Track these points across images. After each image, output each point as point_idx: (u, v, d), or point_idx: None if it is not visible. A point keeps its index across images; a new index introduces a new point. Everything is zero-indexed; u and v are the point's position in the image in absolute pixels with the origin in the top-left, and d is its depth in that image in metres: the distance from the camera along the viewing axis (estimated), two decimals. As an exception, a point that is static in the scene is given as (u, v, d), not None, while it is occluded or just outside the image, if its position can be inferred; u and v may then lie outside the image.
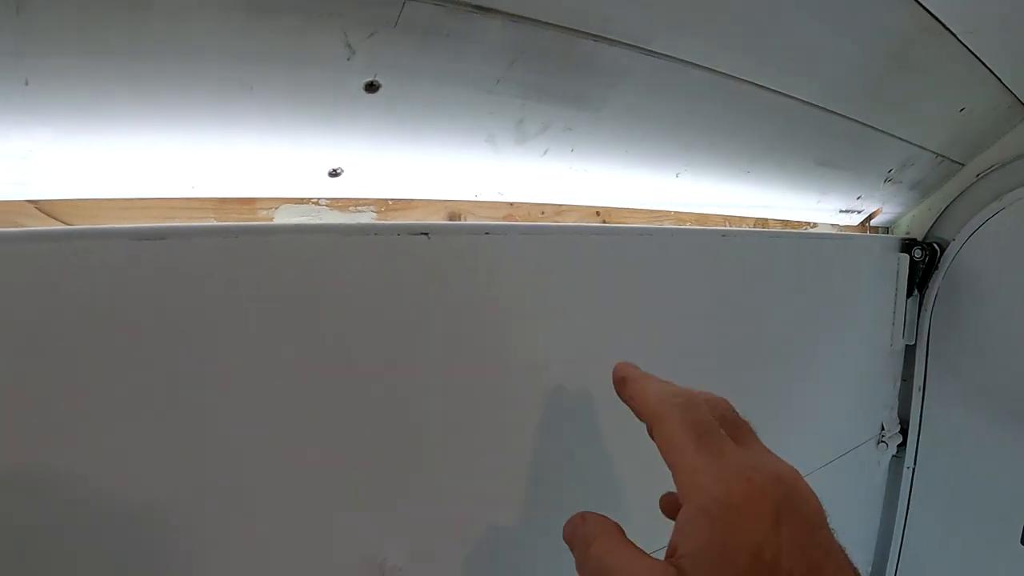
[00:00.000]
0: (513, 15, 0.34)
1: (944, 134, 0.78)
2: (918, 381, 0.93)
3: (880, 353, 0.89)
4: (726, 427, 0.29)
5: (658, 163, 0.52)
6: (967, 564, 0.91)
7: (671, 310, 0.52)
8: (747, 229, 0.71)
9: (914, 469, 0.95)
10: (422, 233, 0.35)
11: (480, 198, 0.44)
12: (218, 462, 0.30)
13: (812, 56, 0.52)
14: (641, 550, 0.27)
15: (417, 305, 0.36)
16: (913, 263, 0.88)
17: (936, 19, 0.54)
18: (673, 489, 0.27)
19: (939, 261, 0.89)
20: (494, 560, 0.42)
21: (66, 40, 0.25)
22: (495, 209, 0.46)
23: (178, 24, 0.27)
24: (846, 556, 0.25)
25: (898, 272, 0.88)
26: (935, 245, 0.89)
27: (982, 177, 0.87)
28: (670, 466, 0.27)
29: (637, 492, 0.43)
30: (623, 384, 0.33)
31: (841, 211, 0.84)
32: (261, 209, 0.36)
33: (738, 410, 0.32)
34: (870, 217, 0.90)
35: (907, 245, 0.89)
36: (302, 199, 0.37)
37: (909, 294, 0.89)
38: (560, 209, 0.51)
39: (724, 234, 0.57)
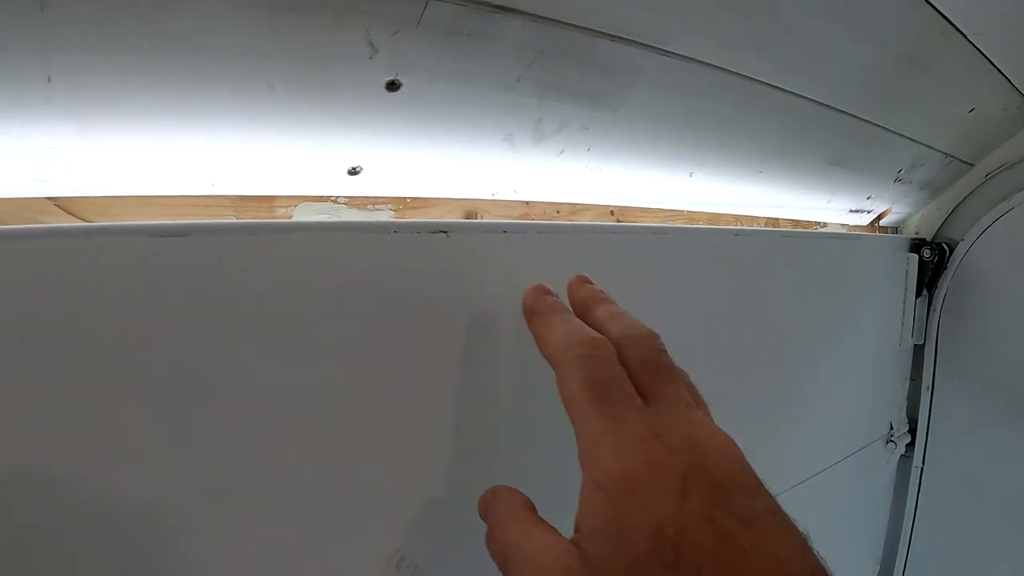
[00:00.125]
0: (534, 15, 0.34)
1: (953, 134, 0.78)
2: (927, 381, 0.93)
3: (889, 352, 0.89)
4: (644, 376, 0.26)
5: (672, 162, 0.52)
6: (975, 563, 0.91)
7: (683, 308, 0.52)
8: (758, 228, 0.71)
9: (922, 468, 0.95)
10: (441, 231, 0.35)
11: (497, 197, 0.44)
12: (236, 459, 0.30)
13: (823, 57, 0.52)
14: (549, 527, 0.25)
15: (436, 302, 0.36)
16: (922, 263, 0.88)
17: (946, 19, 0.54)
18: None
19: (948, 261, 0.89)
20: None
21: (89, 37, 0.25)
22: (511, 208, 0.46)
23: (201, 22, 0.27)
24: (778, 521, 0.22)
25: (907, 272, 0.88)
26: (944, 245, 0.89)
27: (991, 177, 0.87)
28: (573, 425, 0.25)
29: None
30: (530, 318, 0.30)
31: (851, 211, 0.84)
32: (280, 207, 0.36)
33: (668, 349, 0.28)
34: (880, 217, 0.90)
35: (916, 245, 0.89)
36: (321, 197, 0.37)
37: (918, 294, 0.89)
38: (575, 208, 0.50)
39: (736, 233, 0.57)
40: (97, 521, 0.27)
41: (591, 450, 0.24)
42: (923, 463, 0.95)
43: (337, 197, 0.38)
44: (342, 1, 0.28)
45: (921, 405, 0.94)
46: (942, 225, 0.91)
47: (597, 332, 0.28)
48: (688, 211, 0.62)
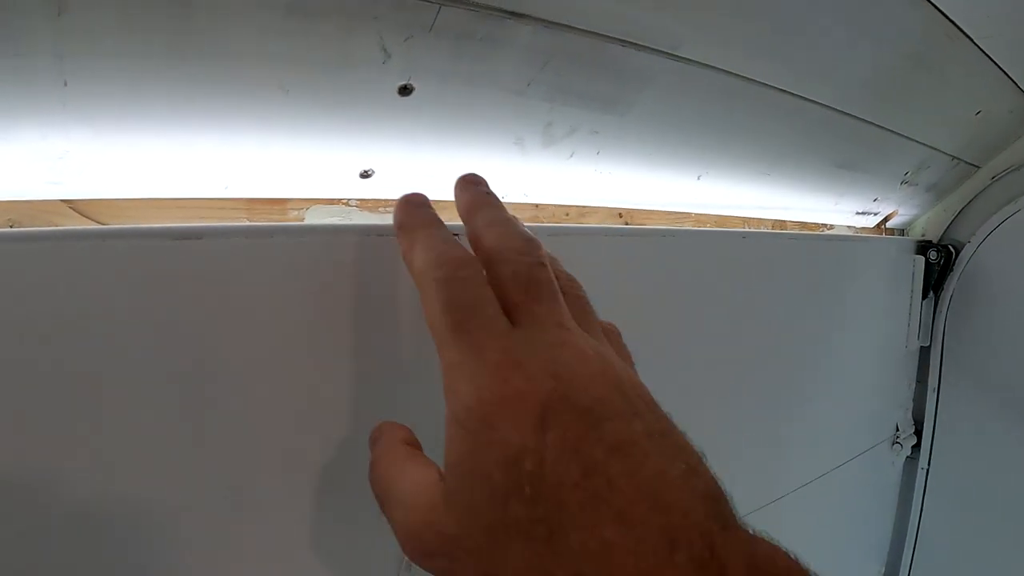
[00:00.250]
0: (545, 20, 0.34)
1: (960, 137, 0.78)
2: (933, 382, 0.93)
3: (895, 354, 0.89)
4: (514, 295, 0.23)
5: (680, 165, 0.52)
6: (981, 565, 0.91)
7: (691, 310, 0.52)
8: (765, 231, 0.71)
9: (928, 470, 0.95)
10: (453, 234, 0.35)
11: (506, 199, 0.44)
12: (250, 460, 0.30)
13: (830, 60, 0.52)
14: (424, 463, 0.24)
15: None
16: (928, 265, 0.88)
17: (952, 23, 0.54)
18: None
19: (954, 263, 0.89)
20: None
21: (105, 41, 0.26)
22: (520, 211, 0.46)
23: (216, 27, 0.27)
24: (656, 444, 0.20)
25: (913, 274, 0.88)
26: (950, 247, 0.88)
27: (997, 179, 0.87)
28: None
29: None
30: (398, 233, 0.27)
31: (858, 213, 0.84)
32: (292, 209, 0.36)
33: (558, 266, 0.25)
34: (886, 219, 0.90)
35: (922, 247, 0.89)
36: (333, 200, 0.37)
37: (924, 296, 0.89)
38: (584, 211, 0.51)
39: (744, 236, 0.57)
40: (101, 522, 0.27)
41: (449, 381, 0.22)
42: (929, 465, 0.94)
43: (349, 200, 0.38)
44: (356, 7, 0.28)
45: (927, 407, 0.94)
46: (948, 227, 0.91)
47: (469, 246, 0.26)
48: (696, 213, 0.62)
